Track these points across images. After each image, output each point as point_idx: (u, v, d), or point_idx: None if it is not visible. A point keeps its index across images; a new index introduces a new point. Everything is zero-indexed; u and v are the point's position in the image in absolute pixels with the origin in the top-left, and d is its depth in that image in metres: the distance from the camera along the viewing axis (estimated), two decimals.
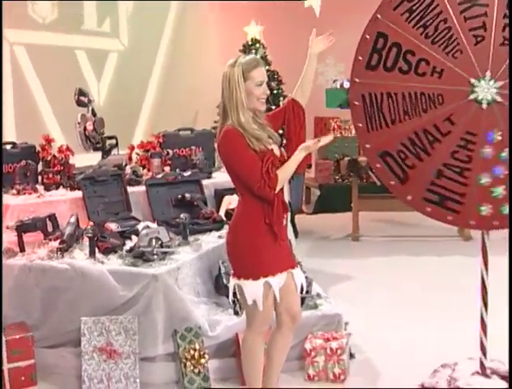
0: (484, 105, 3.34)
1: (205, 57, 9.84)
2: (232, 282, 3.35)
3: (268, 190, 3.13)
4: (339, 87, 8.47)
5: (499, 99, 3.32)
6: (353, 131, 9.36)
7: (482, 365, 3.59)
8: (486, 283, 3.62)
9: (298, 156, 3.22)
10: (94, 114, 5.72)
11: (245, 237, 3.26)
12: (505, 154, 3.35)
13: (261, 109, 3.25)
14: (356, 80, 3.51)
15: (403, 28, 3.41)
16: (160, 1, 9.04)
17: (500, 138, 3.35)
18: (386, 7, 3.42)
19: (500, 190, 3.38)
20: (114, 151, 5.91)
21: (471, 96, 3.35)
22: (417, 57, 3.40)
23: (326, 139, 3.24)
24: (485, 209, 3.42)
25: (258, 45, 9.12)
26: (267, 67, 9.04)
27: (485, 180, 3.39)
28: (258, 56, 8.82)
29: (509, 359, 3.58)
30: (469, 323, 3.87)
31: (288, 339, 3.46)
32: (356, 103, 3.50)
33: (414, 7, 3.38)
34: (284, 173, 3.20)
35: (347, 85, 8.26)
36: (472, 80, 3.34)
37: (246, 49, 9.15)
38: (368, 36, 3.45)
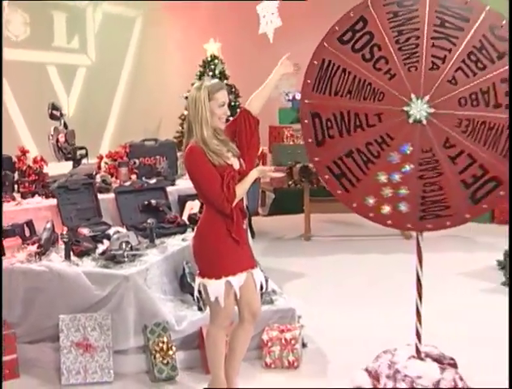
0: (414, 122, 3.55)
1: (167, 71, 9.92)
2: (197, 281, 3.49)
3: (227, 204, 3.29)
4: (291, 98, 8.70)
5: (429, 117, 3.54)
6: None
7: (417, 349, 3.76)
8: (420, 277, 3.80)
9: (253, 174, 3.43)
10: (66, 127, 5.84)
11: (208, 241, 3.42)
12: (408, 168, 3.57)
13: (221, 127, 3.41)
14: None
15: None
16: (125, 18, 9.13)
17: (409, 153, 3.56)
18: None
19: (387, 192, 3.60)
20: (84, 161, 6.02)
21: (409, 117, 3.55)
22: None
23: (278, 175, 3.47)
24: (369, 200, 3.63)
25: (216, 61, 9.22)
26: (225, 81, 9.18)
27: (382, 178, 3.63)
28: (217, 71, 9.01)
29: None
30: (407, 314, 4.01)
31: (248, 333, 3.61)
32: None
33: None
34: (241, 189, 3.38)
35: (298, 96, 8.51)
36: (407, 101, 3.53)
37: (206, 64, 9.24)
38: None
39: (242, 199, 3.49)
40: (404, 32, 3.52)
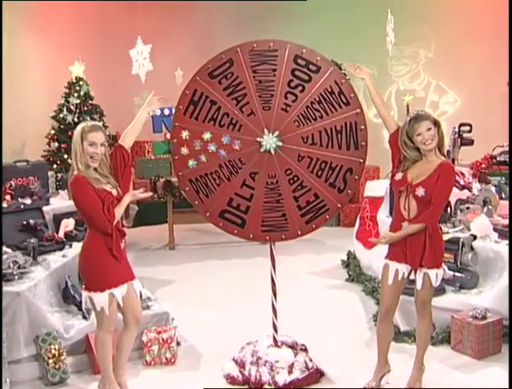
0: (265, 151, 4.31)
1: (32, 91, 10.03)
2: (84, 294, 4.00)
3: (108, 224, 3.82)
4: (158, 114, 9.23)
5: (277, 149, 4.30)
6: None
7: (274, 339, 4.49)
8: (274, 278, 4.52)
9: (127, 199, 4.00)
10: None
11: (91, 259, 3.94)
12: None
13: (92, 164, 3.87)
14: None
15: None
16: None
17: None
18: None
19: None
20: None
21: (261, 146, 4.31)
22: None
23: (147, 195, 4.13)
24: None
25: (81, 83, 9.53)
26: (90, 101, 9.55)
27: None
28: (82, 92, 9.33)
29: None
30: (265, 310, 4.62)
31: (133, 335, 4.17)
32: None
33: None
34: (118, 212, 3.92)
35: (158, 112, 9.14)
36: (260, 133, 4.30)
37: (71, 85, 9.53)
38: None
39: (119, 221, 4.01)
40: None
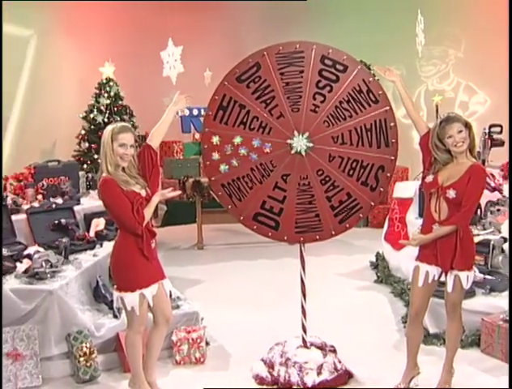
0: (296, 153, 4.32)
1: (63, 91, 10.16)
2: (115, 294, 4.04)
3: (138, 226, 3.85)
4: (186, 115, 9.27)
5: (308, 150, 4.32)
6: None
7: (304, 340, 4.49)
8: (304, 278, 4.53)
9: (155, 200, 4.01)
10: None
11: (122, 259, 3.97)
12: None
13: (122, 164, 3.90)
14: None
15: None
16: (19, 38, 9.30)
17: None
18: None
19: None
20: None
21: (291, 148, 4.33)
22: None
23: (176, 193, 4.12)
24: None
25: (111, 83, 9.62)
26: (120, 102, 9.64)
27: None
28: (112, 93, 9.42)
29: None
30: (294, 310, 4.61)
31: (163, 335, 4.21)
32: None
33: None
34: (148, 212, 3.95)
35: (187, 113, 9.17)
36: (290, 135, 4.32)
37: (101, 86, 9.63)
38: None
39: (149, 221, 4.02)
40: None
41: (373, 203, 4.40)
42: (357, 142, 4.32)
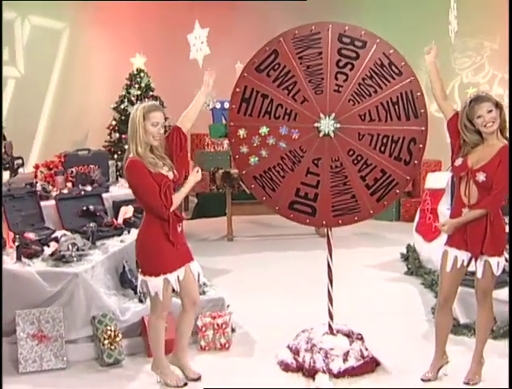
0: (324, 136, 4.25)
1: (94, 83, 10.25)
2: (140, 278, 4.04)
3: (165, 210, 3.81)
4: (211, 107, 9.24)
5: (336, 131, 4.25)
6: (225, 146, 10.09)
7: (330, 327, 4.43)
8: (331, 265, 4.47)
9: (189, 184, 3.99)
10: (4, 138, 6.22)
11: (148, 243, 3.95)
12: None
13: (154, 143, 3.87)
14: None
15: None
16: (52, 30, 9.44)
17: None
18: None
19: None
20: (20, 170, 6.43)
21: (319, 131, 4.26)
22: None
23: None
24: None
25: (142, 74, 9.66)
26: (151, 93, 9.67)
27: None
28: (143, 84, 9.47)
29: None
30: (321, 300, 4.56)
31: (191, 318, 4.19)
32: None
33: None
34: (178, 198, 3.94)
35: (218, 106, 9.13)
36: (317, 119, 4.25)
37: (132, 77, 9.68)
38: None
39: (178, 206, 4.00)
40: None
41: (408, 177, 4.31)
42: (385, 117, 4.23)
